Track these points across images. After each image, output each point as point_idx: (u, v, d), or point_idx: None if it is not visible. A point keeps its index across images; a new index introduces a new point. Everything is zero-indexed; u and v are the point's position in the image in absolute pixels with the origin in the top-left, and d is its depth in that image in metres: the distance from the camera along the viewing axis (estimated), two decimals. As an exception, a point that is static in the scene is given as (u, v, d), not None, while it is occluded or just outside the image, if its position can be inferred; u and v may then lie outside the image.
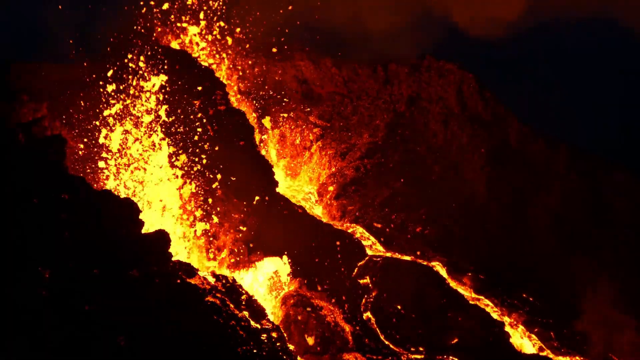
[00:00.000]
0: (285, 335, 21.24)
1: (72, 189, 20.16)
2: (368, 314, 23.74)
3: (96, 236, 19.16)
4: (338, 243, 26.39)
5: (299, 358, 21.10)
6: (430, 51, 35.15)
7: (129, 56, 29.28)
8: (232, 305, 20.03)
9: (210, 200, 26.01)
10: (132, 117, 27.63)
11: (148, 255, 19.79)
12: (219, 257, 25.31)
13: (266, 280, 24.79)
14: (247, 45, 34.29)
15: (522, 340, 25.03)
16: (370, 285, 24.85)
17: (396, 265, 26.05)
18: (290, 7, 34.09)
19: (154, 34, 31.87)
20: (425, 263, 26.96)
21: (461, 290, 26.26)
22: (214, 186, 26.22)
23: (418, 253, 27.66)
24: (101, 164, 26.50)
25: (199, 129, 27.70)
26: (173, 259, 21.00)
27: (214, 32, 33.54)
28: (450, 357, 22.69)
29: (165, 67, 28.75)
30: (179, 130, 27.50)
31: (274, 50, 34.37)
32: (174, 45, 32.56)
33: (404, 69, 34.45)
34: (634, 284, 28.98)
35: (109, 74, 28.32)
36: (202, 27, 33.32)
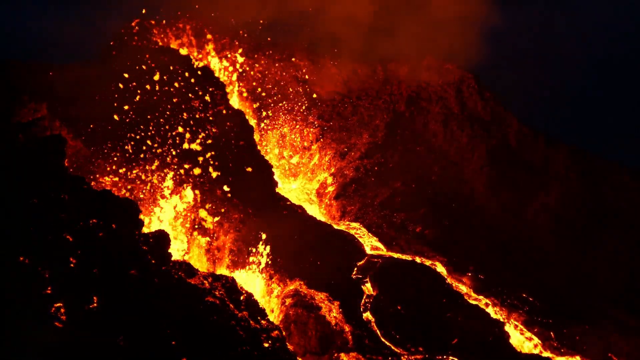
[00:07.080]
0: (285, 335, 21.22)
1: (72, 189, 20.15)
2: (368, 314, 23.71)
3: (96, 236, 19.15)
4: (338, 243, 26.39)
5: (298, 358, 21.07)
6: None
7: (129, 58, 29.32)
8: (232, 305, 20.00)
9: (210, 200, 26.00)
10: (131, 118, 27.61)
11: (148, 255, 19.78)
12: (219, 257, 25.30)
13: (266, 280, 24.78)
14: (247, 45, 34.33)
15: (522, 340, 25.02)
16: (370, 285, 24.84)
17: (396, 265, 26.03)
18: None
19: (154, 35, 31.88)
20: (425, 263, 26.94)
21: (461, 290, 26.25)
22: (214, 186, 26.21)
23: (418, 253, 27.66)
24: (100, 163, 26.47)
25: (199, 130, 27.69)
26: (173, 259, 21.00)
27: (215, 33, 33.57)
28: (450, 357, 22.67)
29: (165, 67, 28.73)
30: (179, 130, 27.50)
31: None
32: (174, 45, 32.57)
33: (404, 69, 34.47)
34: (634, 284, 28.99)
35: (109, 74, 28.34)
36: (203, 27, 33.34)
